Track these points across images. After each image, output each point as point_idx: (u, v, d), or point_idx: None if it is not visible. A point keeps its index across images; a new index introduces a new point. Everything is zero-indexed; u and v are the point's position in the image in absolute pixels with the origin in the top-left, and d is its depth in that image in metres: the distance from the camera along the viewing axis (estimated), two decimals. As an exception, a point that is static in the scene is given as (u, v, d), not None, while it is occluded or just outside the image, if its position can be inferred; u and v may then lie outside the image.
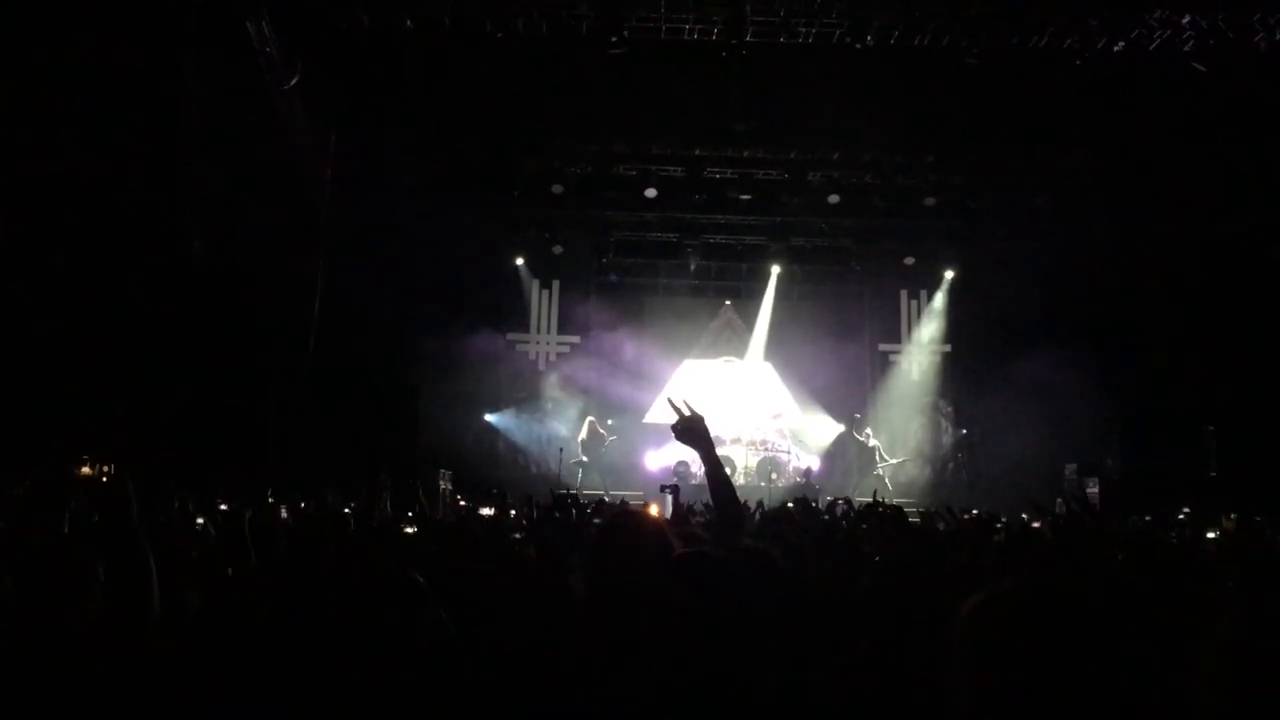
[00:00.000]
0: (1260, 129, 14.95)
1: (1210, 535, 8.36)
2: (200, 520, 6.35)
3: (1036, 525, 8.46)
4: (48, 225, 11.43)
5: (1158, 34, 14.80)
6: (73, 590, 3.17)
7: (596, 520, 6.92)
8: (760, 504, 11.26)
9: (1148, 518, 10.80)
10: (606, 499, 15.85)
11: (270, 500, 8.33)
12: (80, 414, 10.65)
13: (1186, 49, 14.85)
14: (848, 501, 10.39)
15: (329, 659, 2.92)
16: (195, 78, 13.45)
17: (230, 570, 4.50)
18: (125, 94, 12.44)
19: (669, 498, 8.39)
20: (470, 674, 2.81)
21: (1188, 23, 14.51)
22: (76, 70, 11.84)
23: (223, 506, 6.71)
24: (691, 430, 3.71)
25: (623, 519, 2.95)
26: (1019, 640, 1.62)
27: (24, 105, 11.21)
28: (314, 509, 8.13)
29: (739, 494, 4.01)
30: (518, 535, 6.73)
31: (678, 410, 3.74)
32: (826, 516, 8.94)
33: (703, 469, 3.72)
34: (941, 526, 8.87)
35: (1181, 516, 11.50)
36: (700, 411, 3.76)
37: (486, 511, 8.14)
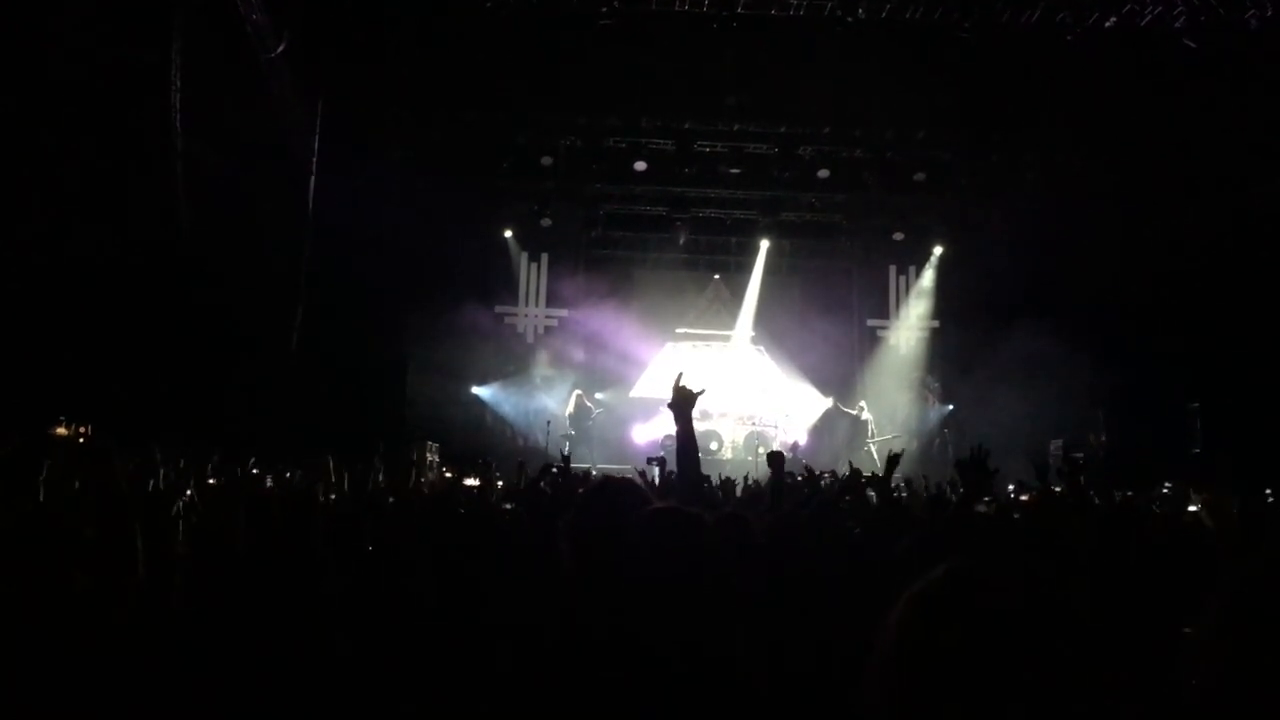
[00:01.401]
0: (1251, 107, 14.95)
1: (1191, 509, 8.41)
2: (189, 491, 6.33)
3: (1024, 499, 8.52)
4: (31, 196, 11.34)
5: (1149, 10, 14.77)
6: (58, 557, 3.16)
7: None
8: (746, 477, 11.29)
9: (1129, 493, 10.87)
10: (594, 473, 15.90)
11: (255, 471, 8.31)
12: (60, 381, 10.60)
13: (1178, 25, 14.83)
14: (833, 474, 10.42)
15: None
16: (181, 45, 13.31)
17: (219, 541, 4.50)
18: (110, 62, 12.32)
19: (656, 470, 8.41)
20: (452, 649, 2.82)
21: (1180, -2, 14.50)
22: (59, 40, 11.71)
23: (210, 481, 6.69)
24: (681, 404, 3.94)
25: (607, 484, 2.96)
26: (937, 643, 1.48)
27: (4, 79, 11.09)
28: (304, 478, 8.13)
29: (726, 468, 4.22)
30: (508, 505, 6.74)
31: (681, 385, 3.98)
32: (807, 491, 8.96)
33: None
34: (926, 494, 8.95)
35: (1165, 490, 11.60)
36: (697, 391, 4.01)
37: (471, 482, 8.10)
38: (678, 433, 3.89)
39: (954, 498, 7.54)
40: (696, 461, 3.89)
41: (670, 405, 3.99)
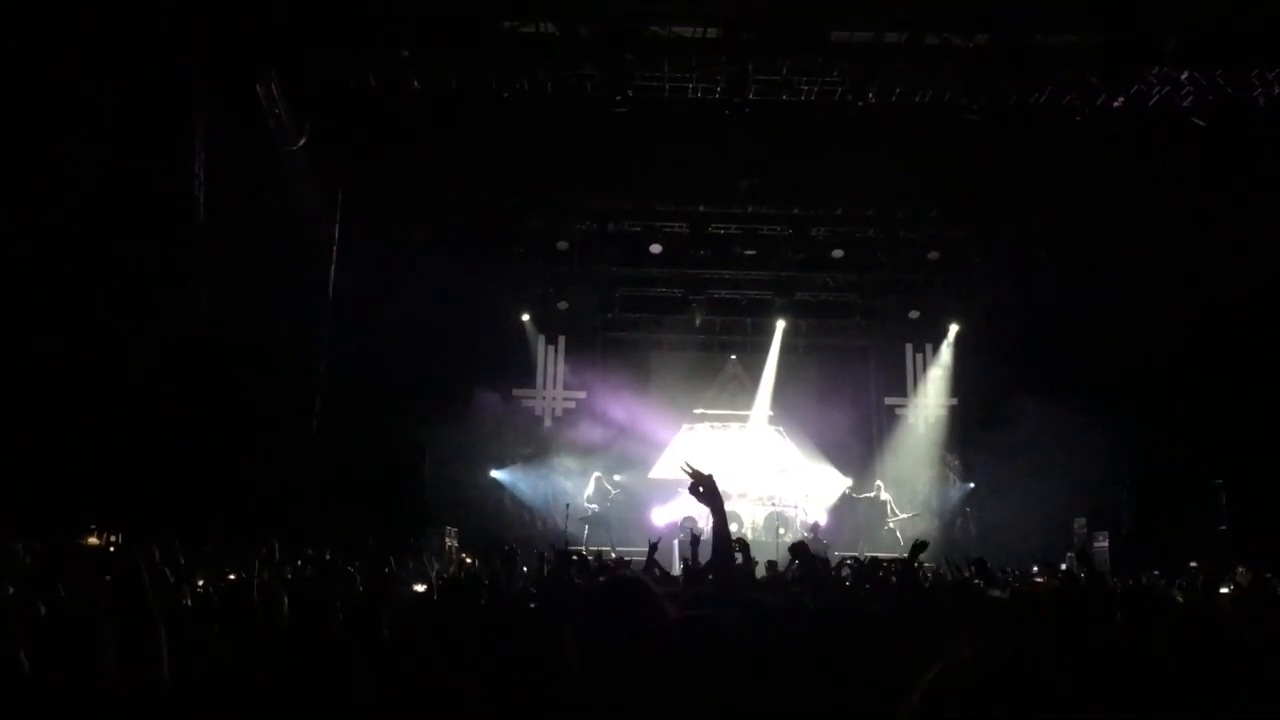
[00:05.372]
0: (1260, 180, 15.03)
1: (1223, 590, 8.31)
2: (201, 583, 6.33)
3: (1040, 580, 8.42)
4: (56, 290, 11.52)
5: (1156, 90, 14.94)
6: (83, 653, 3.18)
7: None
8: (772, 564, 11.20)
9: (1156, 572, 10.75)
10: (613, 555, 15.79)
11: (277, 560, 8.32)
12: (87, 481, 10.65)
13: (1185, 104, 14.98)
14: (856, 559, 10.34)
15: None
16: (204, 139, 13.63)
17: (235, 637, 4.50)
18: (135, 155, 12.61)
19: (676, 552, 8.37)
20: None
21: (1186, 78, 14.65)
22: (87, 131, 12.00)
23: (230, 576, 6.68)
24: (704, 488, 3.92)
25: (615, 587, 2.84)
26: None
27: (34, 167, 11.35)
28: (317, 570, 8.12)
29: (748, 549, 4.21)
30: (532, 605, 6.63)
31: (693, 472, 3.95)
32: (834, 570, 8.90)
33: (708, 525, 3.94)
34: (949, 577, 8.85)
35: (1193, 566, 11.45)
36: (708, 470, 3.96)
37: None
38: (713, 519, 3.84)
39: (977, 580, 7.48)
40: (729, 549, 3.85)
41: (695, 494, 3.93)
